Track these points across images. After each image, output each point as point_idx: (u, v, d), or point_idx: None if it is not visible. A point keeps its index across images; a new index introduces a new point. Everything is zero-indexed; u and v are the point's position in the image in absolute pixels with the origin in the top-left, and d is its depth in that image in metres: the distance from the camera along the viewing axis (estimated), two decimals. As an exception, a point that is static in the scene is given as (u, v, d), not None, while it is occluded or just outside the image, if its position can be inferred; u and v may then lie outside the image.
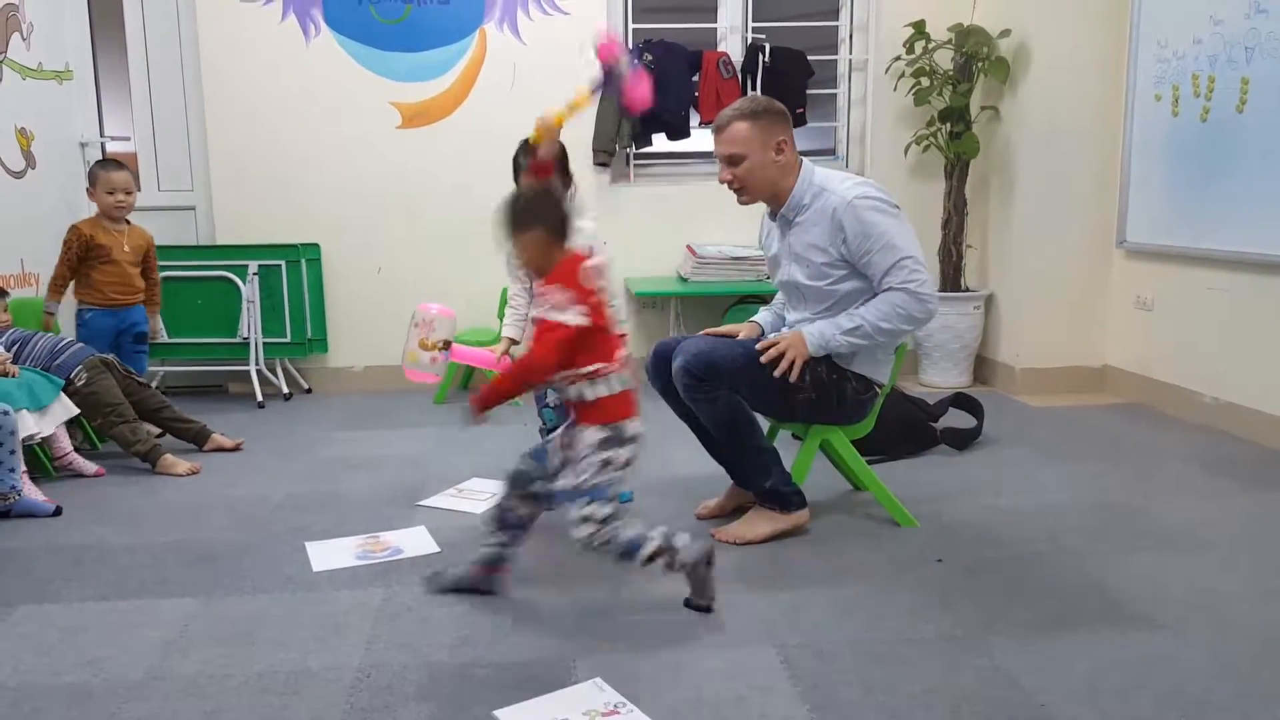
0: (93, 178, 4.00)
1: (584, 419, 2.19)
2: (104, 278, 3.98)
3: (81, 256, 3.93)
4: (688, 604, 2.31)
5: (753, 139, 2.70)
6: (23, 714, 1.91)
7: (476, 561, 2.39)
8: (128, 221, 4.09)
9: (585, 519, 2.15)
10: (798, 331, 2.71)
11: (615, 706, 1.91)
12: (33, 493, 3.15)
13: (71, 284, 4.01)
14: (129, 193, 3.99)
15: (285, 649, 2.16)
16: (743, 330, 2.94)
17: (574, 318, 2.10)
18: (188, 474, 3.54)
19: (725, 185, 2.79)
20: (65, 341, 3.67)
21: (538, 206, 2.19)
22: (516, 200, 2.22)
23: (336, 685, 2.00)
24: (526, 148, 2.85)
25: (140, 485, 3.43)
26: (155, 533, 2.95)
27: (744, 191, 2.78)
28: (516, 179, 3.00)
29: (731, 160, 2.73)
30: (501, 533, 2.35)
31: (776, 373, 2.65)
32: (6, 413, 3.03)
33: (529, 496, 2.30)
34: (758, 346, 2.70)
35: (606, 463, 2.16)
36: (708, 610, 2.29)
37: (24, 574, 2.64)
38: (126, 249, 4.03)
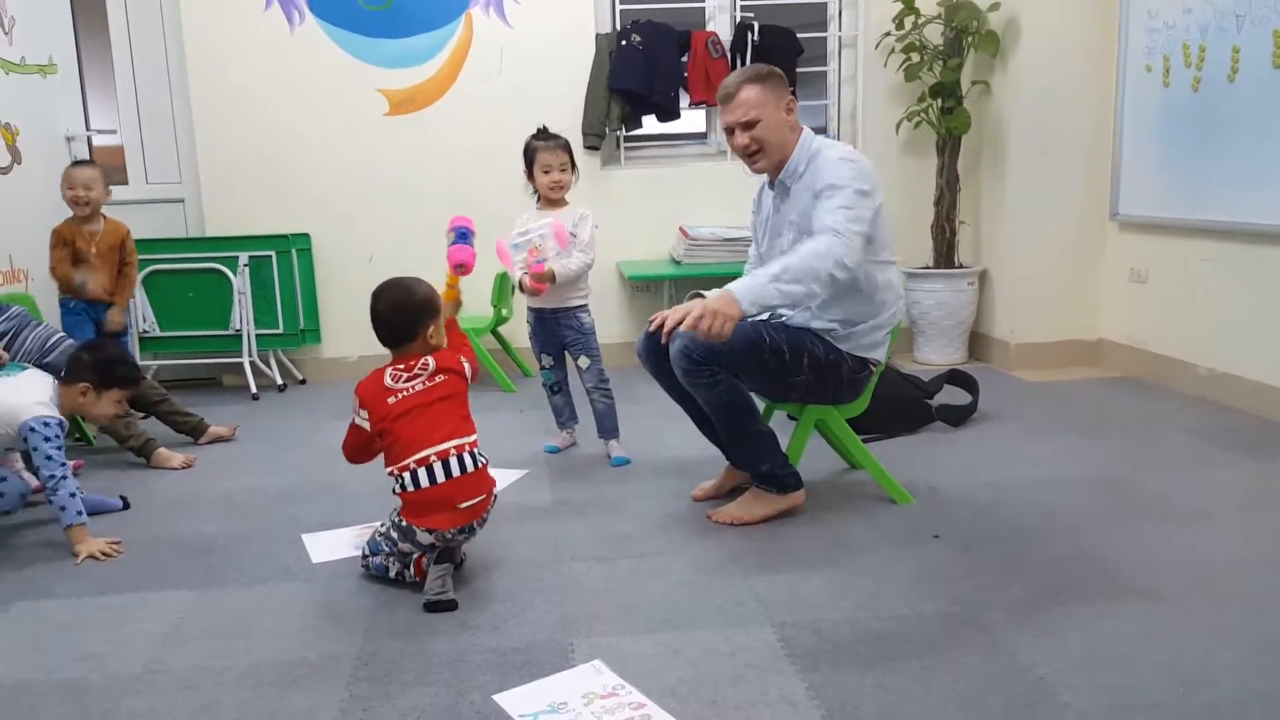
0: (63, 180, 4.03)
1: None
2: (80, 274, 3.99)
3: (70, 252, 3.98)
4: (427, 607, 2.26)
5: (765, 100, 2.69)
6: (19, 711, 1.90)
7: None
8: (104, 218, 4.04)
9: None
10: (725, 292, 2.49)
11: (614, 689, 1.90)
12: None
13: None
14: (89, 189, 3.93)
15: (283, 640, 2.16)
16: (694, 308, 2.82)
17: (358, 420, 2.42)
18: (182, 467, 3.54)
19: (742, 152, 2.75)
20: (56, 338, 3.64)
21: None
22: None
23: (335, 675, 1.99)
24: (537, 133, 3.41)
25: (135, 479, 3.42)
26: (150, 526, 2.94)
27: (762, 154, 2.73)
28: (530, 165, 3.39)
29: (748, 125, 2.70)
30: None
31: (701, 337, 2.44)
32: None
33: None
34: (685, 325, 2.48)
35: (390, 538, 2.40)
36: (448, 605, 2.27)
37: (19, 570, 2.63)
38: (94, 252, 3.99)
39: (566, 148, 3.37)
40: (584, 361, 3.45)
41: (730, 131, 2.75)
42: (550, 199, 3.38)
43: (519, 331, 5.05)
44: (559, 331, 3.45)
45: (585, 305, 3.45)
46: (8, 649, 2.17)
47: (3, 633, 2.25)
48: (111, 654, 2.12)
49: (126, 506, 3.11)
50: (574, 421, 3.65)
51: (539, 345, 3.51)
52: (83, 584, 2.52)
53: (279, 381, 4.91)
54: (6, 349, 3.47)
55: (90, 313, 4.03)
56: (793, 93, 2.62)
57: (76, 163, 4.15)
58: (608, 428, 3.48)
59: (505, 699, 1.88)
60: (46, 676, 2.04)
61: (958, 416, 3.74)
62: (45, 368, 3.45)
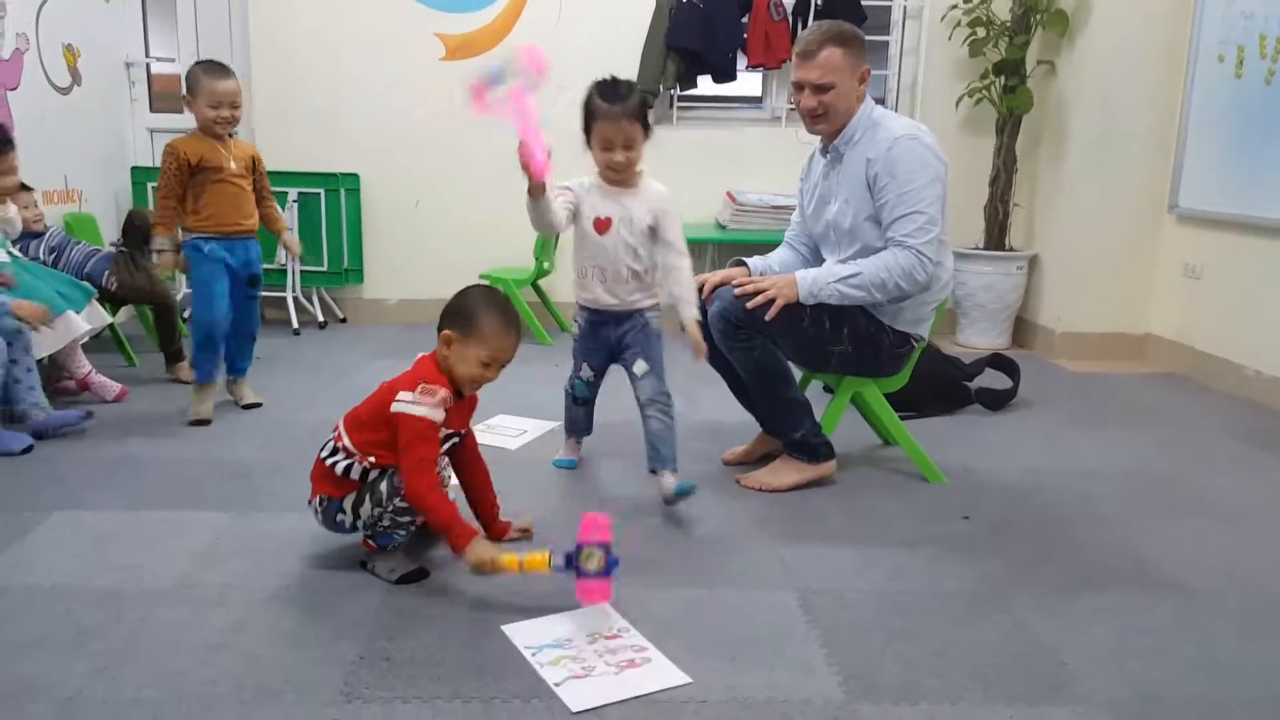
0: (193, 83, 3.21)
1: None
2: (214, 198, 3.25)
3: (186, 180, 3.22)
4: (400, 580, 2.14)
5: (844, 67, 2.61)
6: (56, 613, 1.96)
7: None
8: (231, 135, 3.36)
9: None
10: (791, 274, 2.64)
11: (619, 630, 1.94)
12: (101, 387, 3.50)
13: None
14: (235, 107, 3.25)
15: (313, 567, 2.20)
16: (735, 274, 2.80)
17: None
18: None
19: (807, 113, 2.67)
20: (91, 250, 3.77)
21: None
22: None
23: (363, 604, 2.03)
24: (603, 88, 2.53)
25: (174, 402, 3.47)
26: (188, 448, 3.00)
27: (825, 119, 2.66)
28: (588, 127, 2.55)
29: (821, 88, 2.61)
30: None
31: (750, 305, 2.57)
32: (20, 330, 3.03)
33: None
34: (736, 283, 2.63)
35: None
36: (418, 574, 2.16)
37: (58, 481, 2.69)
38: (233, 165, 3.29)
39: (638, 114, 2.51)
40: (641, 367, 2.65)
41: (800, 88, 2.67)
42: (609, 180, 2.62)
43: (558, 285, 5.06)
44: (617, 335, 2.71)
45: (656, 305, 2.71)
46: (46, 555, 2.23)
47: (42, 539, 2.31)
48: (146, 566, 2.17)
49: (89, 417, 3.13)
50: (588, 433, 2.99)
51: (583, 352, 2.81)
52: (119, 498, 2.58)
53: (320, 318, 4.96)
54: (54, 264, 3.60)
55: (227, 252, 3.30)
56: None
57: (210, 68, 3.23)
58: (663, 455, 2.63)
59: (512, 630, 1.92)
60: (83, 583, 2.09)
61: (997, 400, 3.70)
62: (87, 278, 3.57)
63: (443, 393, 2.06)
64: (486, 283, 2.16)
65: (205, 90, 3.18)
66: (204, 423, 3.26)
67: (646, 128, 2.55)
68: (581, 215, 2.61)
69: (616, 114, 2.49)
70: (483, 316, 2.09)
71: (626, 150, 2.52)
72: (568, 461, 2.95)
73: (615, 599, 1.99)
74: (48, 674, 1.74)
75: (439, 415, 2.05)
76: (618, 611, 2.00)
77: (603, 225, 2.59)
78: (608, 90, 2.52)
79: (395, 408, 2.04)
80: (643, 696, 1.73)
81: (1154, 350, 4.59)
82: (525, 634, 1.91)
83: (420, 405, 2.03)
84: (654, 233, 2.61)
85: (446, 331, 2.11)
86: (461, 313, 2.11)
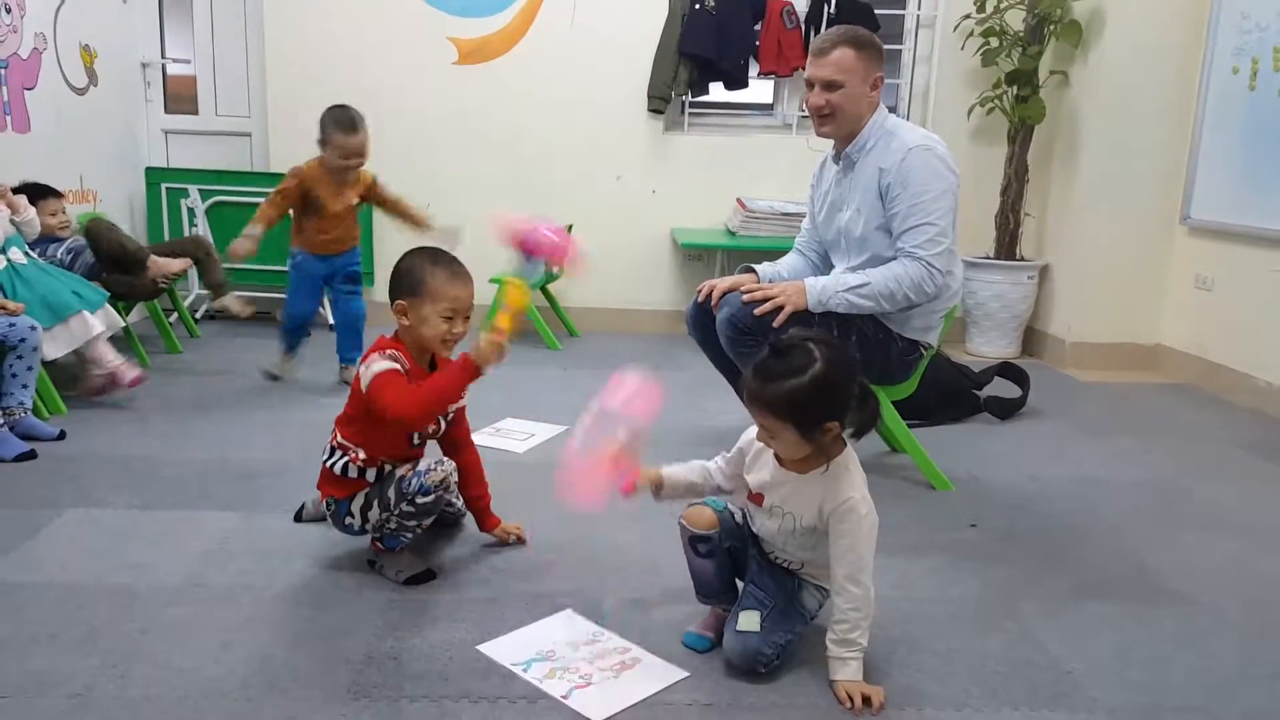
0: (326, 135, 3.63)
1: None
2: (314, 227, 3.75)
3: (300, 206, 3.70)
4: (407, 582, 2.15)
5: (855, 69, 2.64)
6: (69, 609, 1.98)
7: None
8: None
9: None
10: (800, 281, 2.66)
11: (594, 636, 1.95)
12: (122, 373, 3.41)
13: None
14: (361, 155, 3.67)
15: (321, 567, 2.21)
16: (744, 280, 2.83)
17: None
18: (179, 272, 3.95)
19: (815, 111, 2.71)
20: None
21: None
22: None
23: (371, 603, 2.04)
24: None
25: (189, 403, 3.51)
26: (201, 448, 3.02)
27: (832, 119, 2.69)
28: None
29: (830, 86, 2.65)
30: None
31: (758, 311, 2.58)
32: (34, 328, 3.03)
33: None
34: (744, 289, 2.66)
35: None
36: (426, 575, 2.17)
37: (74, 479, 2.72)
38: (340, 207, 3.74)
39: (773, 405, 1.77)
40: (749, 620, 1.85)
41: (810, 85, 2.71)
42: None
43: (568, 290, 5.08)
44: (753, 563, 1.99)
45: (825, 590, 1.92)
46: (58, 552, 2.25)
47: (56, 536, 2.34)
48: (157, 565, 2.19)
49: (61, 437, 3.05)
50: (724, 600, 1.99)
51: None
52: (133, 497, 2.60)
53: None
54: (70, 266, 3.62)
55: (321, 264, 3.82)
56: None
57: (340, 122, 3.64)
58: None
59: (490, 648, 1.89)
60: (96, 580, 2.11)
61: (1006, 409, 3.70)
62: (93, 278, 3.61)
63: (389, 350, 2.08)
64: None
65: (336, 143, 3.62)
66: (277, 378, 3.91)
67: (800, 422, 1.77)
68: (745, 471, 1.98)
69: (754, 405, 1.81)
70: (426, 273, 2.09)
71: (771, 438, 1.85)
72: (701, 640, 1.95)
73: (626, 604, 2.01)
74: (58, 670, 1.76)
75: (394, 365, 2.05)
76: (581, 616, 2.02)
77: (756, 499, 1.94)
78: (756, 367, 1.82)
79: (363, 384, 2.06)
80: (649, 699, 1.74)
81: (1164, 361, 4.58)
82: (506, 651, 1.88)
83: (374, 365, 2.05)
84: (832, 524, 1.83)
85: (399, 302, 2.10)
86: (404, 278, 2.11)
